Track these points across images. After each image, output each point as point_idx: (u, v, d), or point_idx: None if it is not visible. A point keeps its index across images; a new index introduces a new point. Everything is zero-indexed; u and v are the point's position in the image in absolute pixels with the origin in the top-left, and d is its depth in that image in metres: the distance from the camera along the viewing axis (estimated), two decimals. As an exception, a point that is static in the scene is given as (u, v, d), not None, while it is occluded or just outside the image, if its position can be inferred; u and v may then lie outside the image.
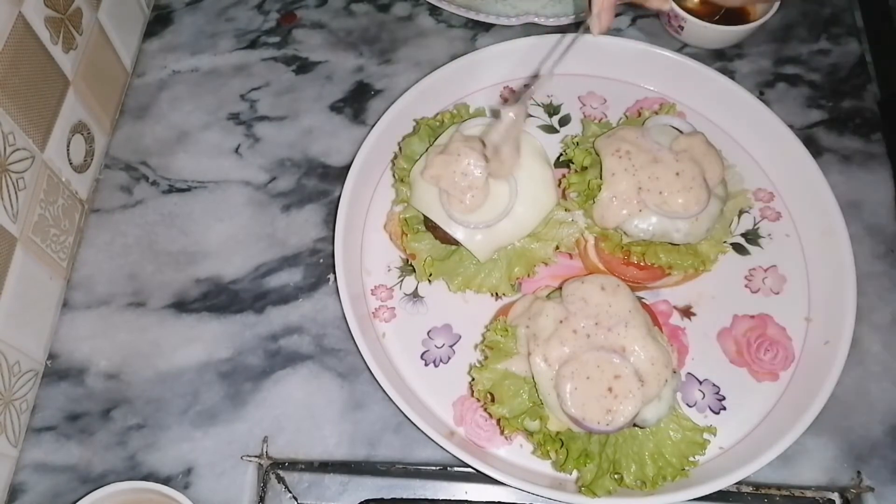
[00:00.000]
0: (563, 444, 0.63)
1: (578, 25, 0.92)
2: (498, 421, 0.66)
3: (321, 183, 0.84)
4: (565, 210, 0.73)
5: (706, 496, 0.64)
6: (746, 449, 0.68)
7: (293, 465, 0.70)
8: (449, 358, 0.73)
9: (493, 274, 0.73)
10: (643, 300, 0.74)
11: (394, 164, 0.79)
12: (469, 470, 0.67)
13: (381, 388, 0.68)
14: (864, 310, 0.73)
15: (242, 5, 0.97)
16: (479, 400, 0.68)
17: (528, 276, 0.72)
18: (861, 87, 0.90)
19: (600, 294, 0.65)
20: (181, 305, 0.77)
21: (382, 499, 0.69)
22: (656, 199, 0.68)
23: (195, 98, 0.90)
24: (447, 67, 0.83)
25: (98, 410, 0.72)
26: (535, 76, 0.67)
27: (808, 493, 0.68)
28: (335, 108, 0.89)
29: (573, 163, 0.75)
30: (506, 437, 0.68)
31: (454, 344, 0.74)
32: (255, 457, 0.70)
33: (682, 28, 0.89)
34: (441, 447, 0.66)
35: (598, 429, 0.61)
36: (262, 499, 0.68)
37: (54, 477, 0.69)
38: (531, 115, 0.86)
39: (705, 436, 0.66)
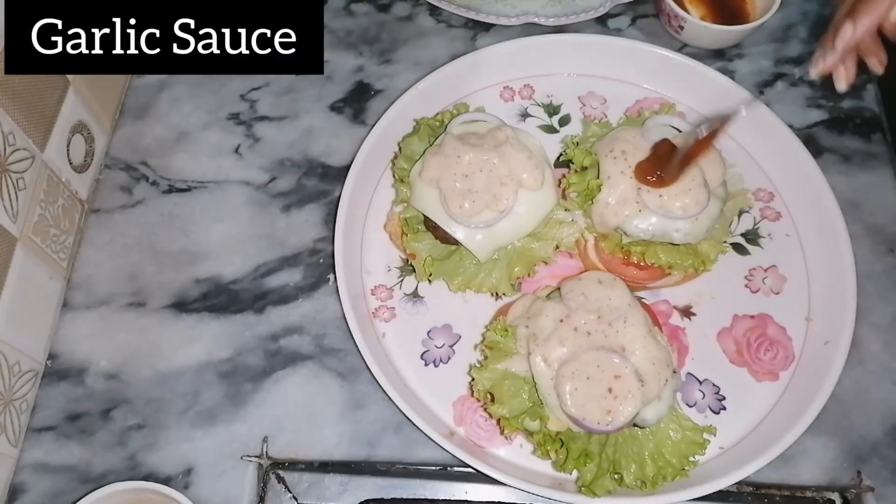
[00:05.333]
0: (563, 444, 0.63)
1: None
2: (498, 421, 0.66)
3: (321, 183, 0.84)
4: (565, 210, 0.73)
5: (706, 496, 0.64)
6: (746, 449, 0.68)
7: (293, 465, 0.70)
8: (449, 358, 0.73)
9: (493, 274, 0.73)
10: (643, 300, 0.74)
11: (394, 164, 0.79)
12: (469, 470, 0.67)
13: (381, 388, 0.68)
14: (864, 310, 0.73)
15: (242, 5, 0.97)
16: (479, 400, 0.68)
17: (528, 275, 0.72)
18: (861, 87, 0.90)
19: (599, 288, 0.65)
20: (181, 305, 0.77)
21: (382, 499, 0.69)
22: (656, 199, 0.68)
23: (195, 98, 0.89)
24: (447, 67, 0.83)
25: (98, 410, 0.72)
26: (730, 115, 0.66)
27: (808, 493, 0.68)
28: (335, 108, 0.89)
29: (573, 163, 0.75)
30: (506, 437, 0.68)
31: (454, 344, 0.74)
32: (255, 457, 0.70)
33: (682, 28, 0.89)
34: (441, 447, 0.66)
35: (598, 429, 0.61)
36: (262, 499, 0.68)
37: (54, 477, 0.69)
38: (530, 116, 0.86)
39: (705, 436, 0.66)
